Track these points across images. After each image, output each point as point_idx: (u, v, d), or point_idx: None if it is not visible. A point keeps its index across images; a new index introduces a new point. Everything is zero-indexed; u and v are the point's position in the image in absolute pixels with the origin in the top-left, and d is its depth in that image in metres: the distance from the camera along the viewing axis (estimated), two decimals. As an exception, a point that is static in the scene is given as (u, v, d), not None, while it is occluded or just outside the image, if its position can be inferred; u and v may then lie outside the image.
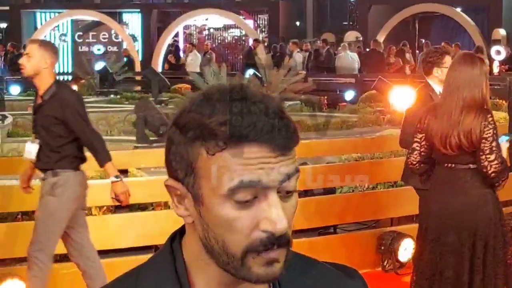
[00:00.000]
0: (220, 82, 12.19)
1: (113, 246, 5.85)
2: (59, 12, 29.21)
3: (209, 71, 12.90)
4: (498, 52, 21.14)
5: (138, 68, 25.92)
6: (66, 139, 5.21)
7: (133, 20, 30.53)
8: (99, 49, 28.35)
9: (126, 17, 30.76)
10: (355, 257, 6.64)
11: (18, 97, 18.17)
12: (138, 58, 27.79)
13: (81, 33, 29.91)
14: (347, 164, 7.25)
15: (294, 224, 1.26)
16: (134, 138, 9.23)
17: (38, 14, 30.45)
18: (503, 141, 4.74)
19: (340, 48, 22.27)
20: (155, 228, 5.80)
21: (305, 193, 6.69)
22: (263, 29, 30.80)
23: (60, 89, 5.31)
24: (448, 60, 5.73)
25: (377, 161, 7.36)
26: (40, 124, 5.33)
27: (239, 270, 1.20)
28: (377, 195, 7.01)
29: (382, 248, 6.69)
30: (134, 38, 29.30)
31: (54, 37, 29.72)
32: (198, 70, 19.33)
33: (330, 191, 6.99)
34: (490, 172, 4.52)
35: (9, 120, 12.66)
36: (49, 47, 5.44)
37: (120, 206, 5.98)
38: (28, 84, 21.67)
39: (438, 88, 5.74)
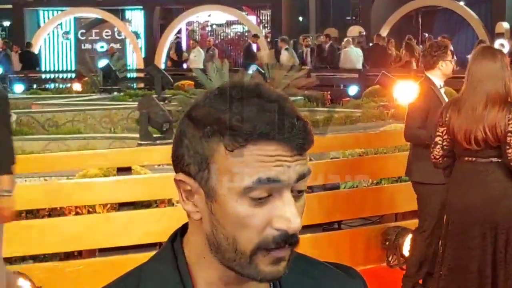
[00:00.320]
0: (223, 78, 12.19)
1: (117, 244, 5.85)
2: (62, 10, 29.20)
3: (212, 67, 12.88)
4: (502, 46, 21.06)
5: (141, 65, 25.94)
6: None
7: (136, 17, 30.51)
8: (102, 47, 28.34)
9: (128, 14, 30.74)
10: (359, 253, 6.64)
11: (21, 95, 18.19)
12: (141, 55, 27.80)
13: (84, 30, 29.92)
14: (351, 159, 7.24)
15: (298, 220, 1.26)
16: (137, 135, 9.22)
17: (41, 12, 30.44)
18: None
19: (344, 43, 22.22)
20: (159, 225, 5.80)
21: (309, 188, 6.68)
22: (266, 25, 30.77)
23: None
24: (450, 53, 5.74)
25: (381, 156, 7.34)
26: None
27: (246, 268, 1.20)
28: (381, 190, 7.00)
29: (387, 243, 6.67)
30: (136, 35, 29.28)
31: (57, 35, 29.74)
32: (201, 66, 19.32)
33: (334, 186, 6.98)
34: None
35: (13, 118, 12.61)
36: None
37: (124, 204, 5.98)
38: (31, 82, 21.78)
39: (438, 82, 5.73)
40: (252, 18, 29.76)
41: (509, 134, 4.49)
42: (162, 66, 23.48)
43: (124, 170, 6.12)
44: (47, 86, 21.78)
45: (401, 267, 6.53)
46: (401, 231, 6.67)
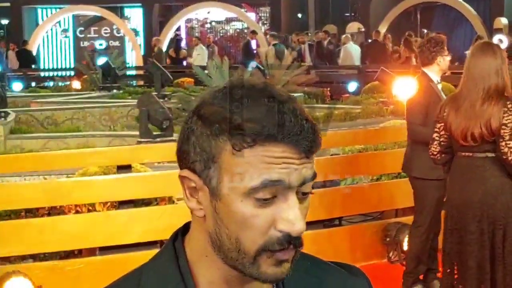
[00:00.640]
0: (223, 75, 12.19)
1: (118, 242, 5.84)
2: (60, 8, 29.18)
3: (211, 65, 12.87)
4: (500, 41, 21.03)
5: (140, 62, 25.93)
6: None
7: (135, 15, 30.50)
8: (101, 44, 28.33)
9: (127, 11, 30.74)
10: (360, 249, 6.64)
11: (20, 94, 18.17)
12: (140, 52, 27.79)
13: (82, 28, 29.90)
14: (350, 155, 7.23)
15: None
16: (137, 133, 9.21)
17: (39, 10, 30.43)
18: None
19: (343, 39, 22.23)
20: (159, 223, 5.79)
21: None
22: (265, 22, 30.75)
23: None
24: (446, 48, 5.74)
25: (381, 152, 7.33)
26: None
27: (248, 268, 1.19)
28: (381, 186, 6.99)
29: (388, 239, 6.67)
30: (136, 32, 29.28)
31: (56, 33, 29.72)
32: (205, 63, 19.32)
33: (334, 183, 6.97)
34: (510, 158, 4.50)
35: (12, 117, 12.65)
36: None
37: (124, 202, 5.97)
38: (30, 81, 21.76)
39: (435, 77, 5.73)
40: (251, 15, 29.75)
41: (503, 127, 4.50)
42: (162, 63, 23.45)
43: (124, 168, 6.11)
44: (45, 84, 21.76)
45: (401, 263, 6.52)
46: (402, 227, 6.66)
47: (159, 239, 5.91)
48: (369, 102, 13.17)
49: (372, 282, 1.45)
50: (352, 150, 7.50)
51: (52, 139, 11.27)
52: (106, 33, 29.51)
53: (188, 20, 30.72)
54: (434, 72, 5.73)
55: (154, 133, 8.59)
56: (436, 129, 4.79)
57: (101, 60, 19.05)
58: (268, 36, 22.68)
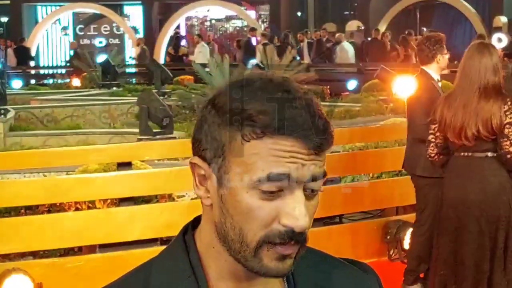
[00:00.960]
0: (223, 73, 12.17)
1: (118, 239, 5.83)
2: (60, 5, 29.17)
3: (212, 62, 12.86)
4: (500, 40, 21.05)
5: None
6: None
7: (135, 12, 30.49)
8: (100, 42, 28.32)
9: (127, 9, 30.72)
10: (361, 247, 6.63)
11: (20, 91, 18.17)
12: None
13: (82, 26, 29.89)
14: (351, 153, 7.22)
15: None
16: (137, 130, 9.20)
17: (39, 8, 30.42)
18: None
19: (336, 38, 22.27)
20: (159, 220, 5.78)
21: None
22: (265, 20, 30.74)
23: None
24: (444, 46, 5.72)
25: (381, 150, 7.32)
26: None
27: (250, 261, 1.19)
28: (381, 184, 6.99)
29: (388, 237, 6.67)
30: (135, 30, 29.27)
31: (56, 30, 29.71)
32: (206, 61, 19.31)
33: (335, 180, 6.97)
34: None
35: (11, 114, 12.65)
36: None
37: (124, 199, 5.96)
38: (30, 78, 21.74)
39: (436, 76, 5.71)
40: (251, 13, 29.74)
41: (507, 125, 4.47)
42: (161, 61, 23.44)
43: (124, 165, 6.10)
44: (45, 81, 21.75)
45: (402, 261, 6.52)
46: (402, 225, 6.66)
47: (159, 236, 5.91)
48: (369, 100, 13.16)
49: (372, 280, 1.45)
50: (352, 148, 7.50)
51: (52, 136, 11.27)
52: (105, 31, 29.50)
53: (188, 18, 30.70)
54: (433, 70, 5.71)
55: (154, 130, 8.59)
56: (431, 131, 4.77)
57: (100, 58, 19.04)
58: (260, 36, 22.72)
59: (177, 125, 10.51)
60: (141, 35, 29.50)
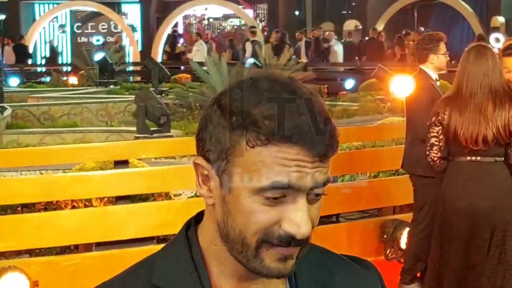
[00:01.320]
0: (221, 71, 12.16)
1: (115, 238, 5.82)
2: (57, 3, 29.14)
3: (209, 61, 12.86)
4: (497, 40, 21.06)
5: (137, 58, 25.91)
6: None
7: (132, 10, 30.47)
8: (98, 40, 28.29)
9: (125, 7, 30.70)
10: (357, 246, 6.63)
11: (17, 89, 18.16)
12: (137, 48, 27.77)
13: (80, 24, 29.88)
14: (348, 152, 7.21)
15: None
16: (134, 128, 9.20)
17: (36, 6, 30.39)
18: None
19: (326, 35, 22.38)
20: (156, 219, 5.78)
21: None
22: (263, 19, 30.75)
23: None
24: (442, 46, 5.66)
25: (378, 149, 7.32)
26: None
27: (251, 261, 1.18)
28: (379, 183, 6.98)
29: (385, 236, 6.66)
30: (133, 28, 29.25)
31: (53, 28, 29.67)
32: (204, 59, 19.33)
33: (332, 180, 6.95)
34: None
35: (8, 111, 12.64)
36: None
37: (121, 198, 5.96)
38: (27, 76, 21.71)
39: (433, 75, 5.69)
40: (249, 12, 29.73)
41: None
42: (159, 60, 23.44)
43: (121, 164, 6.08)
44: (42, 79, 21.73)
45: (399, 260, 6.52)
46: (399, 224, 6.65)
47: (156, 234, 5.90)
48: (367, 100, 13.17)
49: (369, 279, 1.44)
50: (349, 147, 7.49)
51: (49, 134, 11.26)
52: (103, 29, 29.49)
53: (186, 17, 30.70)
54: (431, 70, 5.69)
55: (152, 128, 8.59)
56: (435, 134, 4.62)
57: (98, 56, 19.03)
58: (248, 32, 22.74)
59: (174, 124, 10.52)
60: (138, 33, 29.50)
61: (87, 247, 5.94)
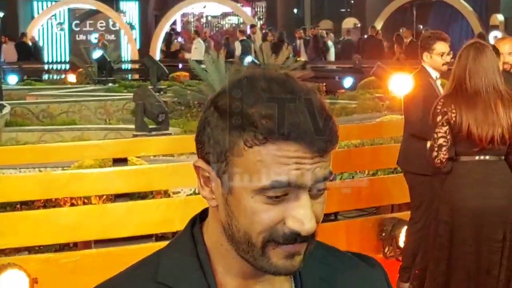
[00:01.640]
0: (219, 69, 12.17)
1: (113, 235, 5.83)
2: (56, 1, 29.09)
3: (207, 59, 12.86)
4: (496, 38, 21.09)
5: (136, 56, 25.90)
6: None
7: (130, 8, 30.44)
8: (96, 38, 28.25)
9: (123, 5, 30.66)
10: (355, 244, 6.63)
11: (15, 86, 18.16)
12: (136, 46, 27.75)
13: (78, 21, 29.81)
14: (347, 150, 7.22)
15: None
16: (133, 126, 9.20)
17: (35, 3, 30.33)
18: None
19: (312, 33, 22.49)
20: (155, 216, 5.78)
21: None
22: (261, 17, 30.74)
23: None
24: (439, 46, 5.60)
25: (377, 147, 7.32)
26: None
27: (259, 260, 1.18)
28: (377, 181, 6.98)
29: (383, 234, 6.67)
30: (131, 26, 29.22)
31: (51, 26, 29.64)
32: (202, 58, 19.35)
33: (333, 177, 6.96)
34: None
35: (7, 109, 12.64)
36: None
37: (120, 195, 5.96)
38: (25, 73, 21.70)
39: (434, 73, 5.68)
40: (247, 10, 29.72)
41: None
42: (157, 58, 23.43)
43: (120, 161, 6.09)
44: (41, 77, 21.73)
45: (397, 258, 6.53)
46: (397, 222, 6.66)
47: (155, 232, 5.90)
48: (365, 98, 13.18)
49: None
50: (348, 145, 7.49)
51: (48, 132, 11.26)
52: (101, 26, 29.42)
53: (184, 15, 30.68)
54: (431, 68, 5.69)
55: (150, 126, 8.59)
56: (443, 134, 4.44)
57: (96, 54, 19.03)
58: (237, 32, 22.81)
59: (173, 121, 10.53)
60: (137, 31, 29.48)
61: (86, 245, 5.95)
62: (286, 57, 15.32)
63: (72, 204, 5.99)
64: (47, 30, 29.75)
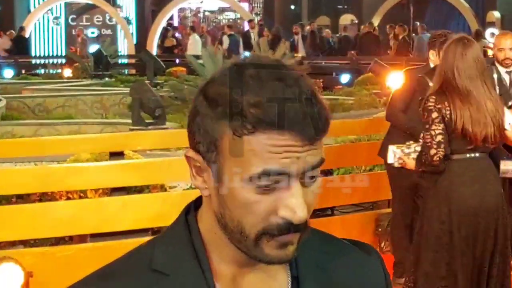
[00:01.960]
0: (216, 64, 12.16)
1: (110, 229, 5.81)
2: (52, -5, 29.04)
3: (205, 54, 12.86)
4: (493, 35, 21.08)
5: (132, 51, 25.88)
6: None
7: (127, 3, 30.38)
8: (93, 32, 28.23)
9: None
10: (352, 239, 6.62)
11: (11, 80, 18.13)
12: (132, 41, 27.72)
13: (74, 16, 29.76)
14: (343, 145, 7.21)
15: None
16: (129, 120, 9.20)
17: (31, -3, 30.28)
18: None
19: (294, 29, 22.58)
20: (151, 210, 5.76)
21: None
22: (258, 12, 30.72)
23: None
24: (436, 44, 5.55)
25: (374, 142, 7.30)
26: None
27: (252, 250, 1.18)
28: (374, 176, 6.97)
29: (379, 229, 6.67)
30: (128, 21, 29.17)
31: (48, 20, 29.58)
32: (199, 53, 19.34)
33: (328, 172, 6.96)
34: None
35: (3, 103, 12.62)
36: None
37: (116, 189, 5.95)
38: (21, 68, 21.68)
39: None
40: (245, 5, 29.70)
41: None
42: (154, 52, 23.41)
43: (116, 155, 6.08)
44: (37, 71, 21.70)
45: (393, 253, 6.52)
46: (394, 218, 6.66)
47: (151, 226, 5.89)
48: (362, 94, 13.18)
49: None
50: (344, 141, 7.49)
51: (43, 126, 11.24)
52: (98, 21, 29.38)
53: (181, 10, 30.65)
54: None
55: (147, 121, 8.59)
56: (440, 131, 4.31)
57: (93, 48, 19.01)
58: (225, 27, 22.85)
59: (170, 116, 10.51)
60: (133, 26, 29.44)
61: (82, 238, 5.93)
62: (283, 52, 15.31)
63: (68, 198, 5.97)
64: (44, 24, 29.69)
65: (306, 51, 21.73)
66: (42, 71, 21.34)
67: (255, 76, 1.14)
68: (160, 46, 24.44)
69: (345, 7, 32.60)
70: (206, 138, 1.16)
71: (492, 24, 22.93)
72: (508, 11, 24.93)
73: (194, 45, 22.49)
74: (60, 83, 16.78)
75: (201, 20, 30.99)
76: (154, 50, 24.69)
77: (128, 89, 10.45)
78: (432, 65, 5.64)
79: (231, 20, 31.23)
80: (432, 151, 4.31)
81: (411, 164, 4.67)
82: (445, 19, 26.57)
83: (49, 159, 6.54)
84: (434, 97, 4.38)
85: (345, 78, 16.96)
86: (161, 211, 5.70)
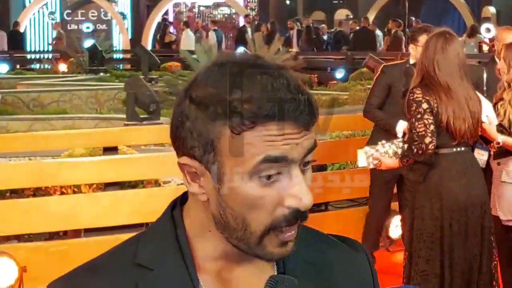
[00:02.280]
0: (211, 59, 12.15)
1: (103, 224, 5.81)
2: (47, -10, 28.97)
3: (199, 49, 12.85)
4: (488, 30, 21.12)
5: (127, 46, 25.84)
6: None
7: (122, -2, 30.31)
8: (88, 27, 28.16)
9: (115, -6, 30.54)
10: (346, 234, 6.53)
11: (6, 75, 18.10)
12: (127, 36, 27.67)
13: (70, 11, 29.69)
14: (338, 140, 7.22)
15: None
16: (124, 116, 9.19)
17: (26, -8, 30.20)
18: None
19: (289, 25, 22.62)
20: (145, 205, 5.76)
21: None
22: (253, 8, 30.67)
23: None
24: (423, 39, 5.48)
25: (368, 138, 7.31)
26: None
27: (253, 248, 1.18)
28: (368, 171, 6.97)
29: (373, 225, 6.68)
30: (123, 15, 29.11)
31: (43, 15, 29.52)
32: (191, 48, 19.31)
33: (321, 168, 6.97)
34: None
35: (-2, 98, 12.59)
36: None
37: (110, 184, 5.95)
38: (16, 62, 21.63)
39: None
40: (240, 0, 29.65)
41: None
42: (149, 48, 23.37)
43: (111, 150, 6.08)
44: (32, 66, 21.66)
45: (387, 248, 6.54)
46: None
47: (145, 221, 5.89)
48: (357, 89, 13.18)
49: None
50: (339, 136, 7.50)
51: (38, 121, 11.22)
52: (93, 16, 29.31)
53: (176, 5, 30.59)
54: (414, 60, 5.65)
55: (141, 116, 8.59)
56: (432, 121, 4.28)
57: (88, 43, 18.98)
58: (209, 22, 22.86)
59: (164, 111, 10.49)
60: (128, 21, 29.38)
61: (76, 233, 5.94)
62: (278, 48, 15.29)
63: (62, 193, 5.98)
64: (39, 19, 29.62)
65: (301, 46, 21.71)
66: (37, 66, 21.29)
67: (240, 73, 1.15)
68: (160, 41, 24.36)
69: (341, 2, 32.57)
70: (201, 141, 1.16)
71: (487, 19, 22.92)
72: (503, 7, 24.96)
73: (187, 40, 22.47)
74: (55, 78, 16.74)
75: (196, 15, 30.91)
76: (149, 45, 24.66)
77: (123, 84, 10.44)
78: (412, 61, 5.64)
79: (226, 15, 31.16)
80: (427, 139, 4.27)
81: (389, 163, 4.63)
82: (441, 14, 26.57)
83: (43, 154, 6.53)
84: (420, 89, 4.34)
85: (339, 73, 16.97)
86: (155, 206, 5.67)
